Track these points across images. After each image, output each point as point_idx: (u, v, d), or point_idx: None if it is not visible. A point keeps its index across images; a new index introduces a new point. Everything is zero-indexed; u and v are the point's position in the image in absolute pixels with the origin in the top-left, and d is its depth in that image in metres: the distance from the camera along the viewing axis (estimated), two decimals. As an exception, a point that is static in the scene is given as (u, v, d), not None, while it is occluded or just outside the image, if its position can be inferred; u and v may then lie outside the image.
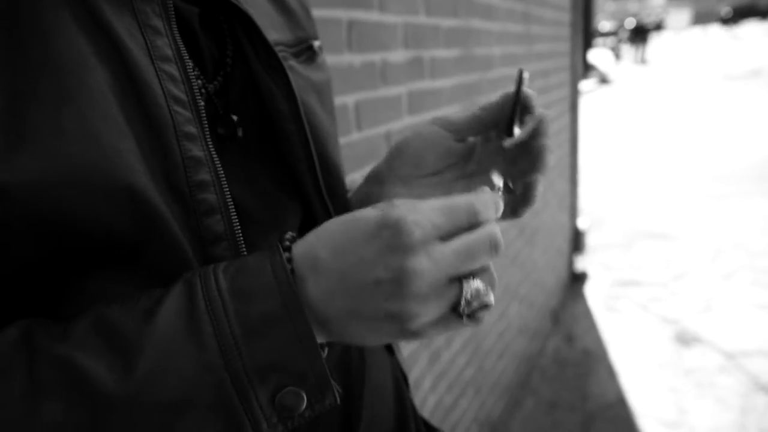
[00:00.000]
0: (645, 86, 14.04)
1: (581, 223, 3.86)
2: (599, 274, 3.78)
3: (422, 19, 1.45)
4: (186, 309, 0.35)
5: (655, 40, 24.71)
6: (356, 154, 1.17)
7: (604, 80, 15.72)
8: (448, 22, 1.61)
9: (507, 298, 2.31)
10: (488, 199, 0.37)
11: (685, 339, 2.89)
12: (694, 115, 9.34)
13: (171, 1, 0.44)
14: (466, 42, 1.73)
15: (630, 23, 24.63)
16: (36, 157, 0.35)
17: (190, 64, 0.44)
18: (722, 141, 7.32)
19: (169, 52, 0.43)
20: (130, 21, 0.42)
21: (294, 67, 0.55)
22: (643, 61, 21.18)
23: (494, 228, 0.37)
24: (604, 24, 28.88)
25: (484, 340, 2.07)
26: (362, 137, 1.19)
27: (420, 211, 0.35)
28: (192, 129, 0.42)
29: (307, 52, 0.60)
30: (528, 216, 2.50)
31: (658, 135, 8.22)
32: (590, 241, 4.16)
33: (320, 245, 0.37)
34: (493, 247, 0.36)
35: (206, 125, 0.43)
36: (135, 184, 0.37)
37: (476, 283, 0.36)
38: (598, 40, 22.71)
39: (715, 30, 30.85)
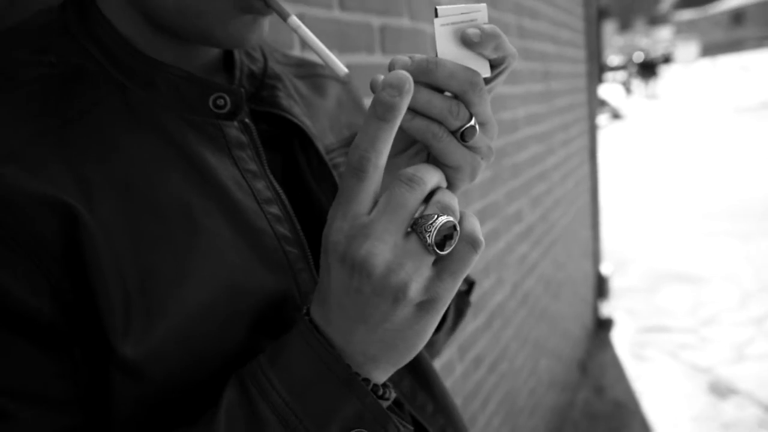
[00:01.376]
0: (657, 121, 14.08)
1: (605, 269, 3.84)
2: (624, 320, 3.73)
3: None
4: (239, 397, 0.37)
5: (664, 74, 24.90)
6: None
7: (616, 115, 15.81)
8: (475, 93, 1.66)
9: (536, 354, 2.29)
10: (358, 150, 0.35)
11: (719, 390, 2.82)
12: (707, 151, 9.32)
13: (261, 145, 0.48)
14: (493, 108, 1.78)
15: (638, 57, 24.86)
16: (165, 335, 0.38)
17: (287, 200, 0.47)
18: (737, 176, 7.28)
19: (269, 194, 0.47)
20: (232, 168, 0.45)
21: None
22: (653, 95, 21.29)
23: (384, 162, 0.35)
24: (612, 58, 29.22)
25: (517, 398, 2.05)
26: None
27: (335, 217, 0.36)
28: (302, 264, 0.46)
29: None
30: (553, 269, 2.50)
31: (674, 171, 8.20)
32: (613, 285, 4.12)
33: (317, 301, 0.39)
34: (407, 181, 0.35)
35: (311, 257, 0.46)
36: (250, 348, 0.40)
37: (426, 219, 0.35)
38: (608, 75, 22.94)
39: (724, 61, 31.05)
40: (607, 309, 3.75)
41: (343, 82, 0.63)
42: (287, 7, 0.44)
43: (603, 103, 15.04)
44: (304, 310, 0.40)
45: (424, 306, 0.36)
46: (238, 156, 0.46)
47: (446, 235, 0.35)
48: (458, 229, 0.36)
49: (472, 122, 0.38)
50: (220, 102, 0.46)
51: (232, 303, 0.41)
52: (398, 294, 0.34)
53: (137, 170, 0.41)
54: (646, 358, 3.24)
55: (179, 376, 0.39)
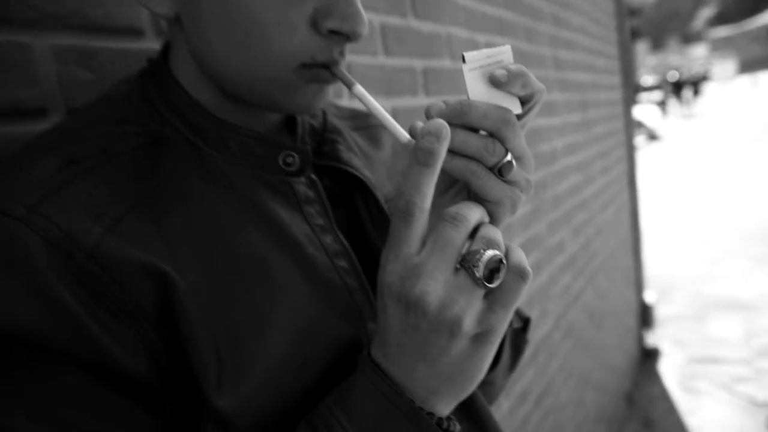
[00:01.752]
0: (695, 141, 13.74)
1: (648, 297, 3.73)
2: (672, 350, 3.59)
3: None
4: None
5: (701, 92, 24.36)
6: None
7: (652, 136, 15.50)
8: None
9: (582, 386, 2.23)
10: (404, 196, 0.37)
11: (780, 427, 2.68)
12: (748, 170, 9.02)
13: (327, 200, 0.50)
14: (532, 141, 1.79)
15: (673, 76, 24.44)
16: (251, 386, 0.40)
17: (353, 252, 0.50)
18: (788, 197, 7.01)
19: (337, 247, 0.49)
20: (303, 224, 0.48)
21: None
22: (690, 114, 20.83)
23: (428, 204, 0.37)
24: (646, 78, 28.82)
25: (563, 434, 2.00)
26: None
27: (387, 259, 0.38)
28: (369, 312, 0.48)
29: None
30: (596, 299, 2.45)
31: (715, 192, 7.96)
32: (659, 313, 3.99)
33: (377, 342, 0.41)
34: (451, 220, 0.37)
35: (374, 303, 0.49)
36: (321, 393, 0.43)
37: (473, 254, 0.36)
38: (642, 96, 22.60)
39: (765, 77, 30.18)
40: (653, 338, 3.63)
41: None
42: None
43: (639, 125, 14.79)
44: (366, 352, 0.41)
45: (480, 338, 0.38)
46: (307, 211, 0.49)
47: (493, 269, 0.37)
48: (505, 261, 0.37)
49: (509, 157, 0.40)
50: (290, 160, 0.49)
51: (308, 352, 0.43)
52: (453, 328, 0.36)
53: (217, 229, 0.43)
54: (698, 391, 3.10)
55: (258, 423, 0.41)
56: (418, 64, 1.17)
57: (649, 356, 3.52)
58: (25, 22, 0.56)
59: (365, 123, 0.68)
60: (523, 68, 0.40)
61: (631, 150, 3.52)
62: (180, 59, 0.49)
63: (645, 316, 3.66)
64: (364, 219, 0.55)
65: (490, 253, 0.36)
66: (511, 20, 1.69)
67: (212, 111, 0.49)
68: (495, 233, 0.39)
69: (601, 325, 2.58)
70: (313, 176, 0.50)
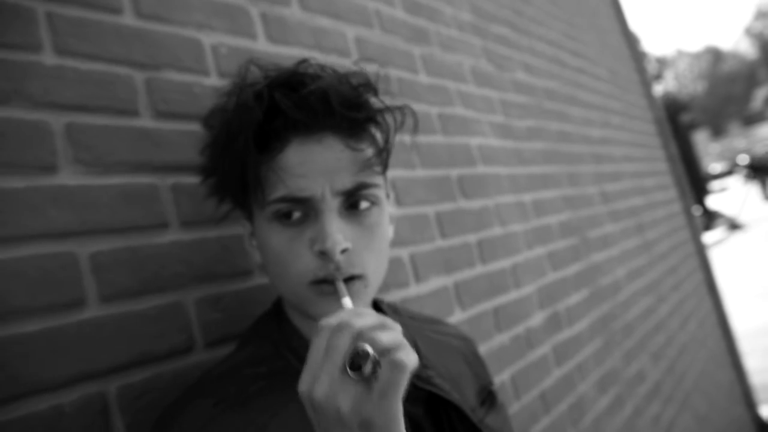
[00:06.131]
0: (784, 225, 12.88)
1: (766, 412, 3.41)
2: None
3: (550, 276, 1.63)
4: None
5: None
6: (517, 424, 1.27)
7: (734, 226, 14.73)
8: (574, 268, 1.78)
9: None
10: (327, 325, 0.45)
11: None
12: None
13: (410, 418, 0.64)
14: (592, 279, 1.87)
15: (743, 159, 23.65)
16: None
17: None
18: None
19: None
20: None
21: (489, 426, 0.71)
22: (770, 196, 19.74)
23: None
24: (714, 166, 28.04)
25: None
26: (521, 405, 1.30)
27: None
28: None
29: (489, 398, 0.77)
30: (696, 426, 2.32)
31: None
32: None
33: None
34: (333, 332, 0.45)
35: None
36: None
37: (357, 358, 0.43)
38: (714, 184, 21.88)
39: None
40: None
41: None
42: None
43: (715, 215, 14.19)
44: None
45: (364, 427, 0.43)
46: None
47: (359, 361, 0.43)
48: (371, 352, 0.43)
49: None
50: None
51: None
52: (336, 415, 0.43)
53: None
54: None
55: None
56: (472, 238, 1.34)
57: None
58: (176, 284, 0.77)
59: (441, 331, 0.82)
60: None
61: (704, 257, 3.45)
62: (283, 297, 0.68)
63: (762, 436, 3.32)
64: (457, 428, 0.68)
65: (359, 346, 0.43)
66: (553, 173, 1.87)
67: (309, 335, 0.65)
68: (370, 330, 0.45)
69: (708, 454, 2.40)
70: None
